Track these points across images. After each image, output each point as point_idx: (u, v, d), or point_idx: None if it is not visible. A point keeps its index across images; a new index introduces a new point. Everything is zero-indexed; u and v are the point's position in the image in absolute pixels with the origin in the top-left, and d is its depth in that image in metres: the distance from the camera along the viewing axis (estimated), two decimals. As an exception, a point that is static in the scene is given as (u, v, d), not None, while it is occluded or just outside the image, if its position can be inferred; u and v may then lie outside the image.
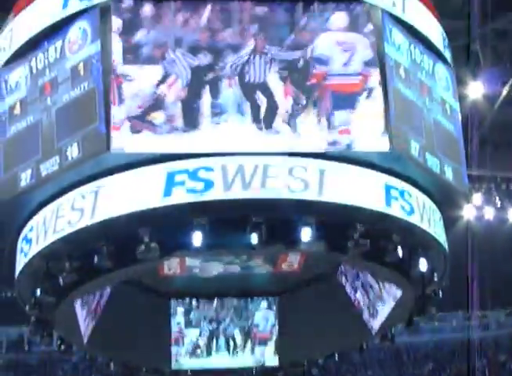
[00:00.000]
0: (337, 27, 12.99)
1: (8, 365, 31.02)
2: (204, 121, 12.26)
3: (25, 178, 12.61)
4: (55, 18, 13.06)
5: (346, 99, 12.60)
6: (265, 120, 12.41)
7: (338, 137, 12.31)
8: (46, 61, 13.06)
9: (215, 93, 12.48)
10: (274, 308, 16.87)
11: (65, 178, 12.46)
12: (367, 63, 12.80)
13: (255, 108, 12.48)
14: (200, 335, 16.92)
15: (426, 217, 13.12)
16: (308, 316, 16.36)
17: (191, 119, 12.29)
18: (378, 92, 12.61)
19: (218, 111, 12.35)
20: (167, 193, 11.98)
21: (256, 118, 12.39)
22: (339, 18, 12.99)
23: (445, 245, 13.84)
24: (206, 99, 12.42)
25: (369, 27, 12.95)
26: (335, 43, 12.88)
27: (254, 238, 12.05)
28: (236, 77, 12.58)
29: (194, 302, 16.78)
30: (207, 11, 12.80)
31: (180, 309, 16.74)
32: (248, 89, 12.58)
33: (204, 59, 12.63)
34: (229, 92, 12.49)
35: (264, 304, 16.85)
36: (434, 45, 14.19)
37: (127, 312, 15.39)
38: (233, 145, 12.19)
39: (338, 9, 12.98)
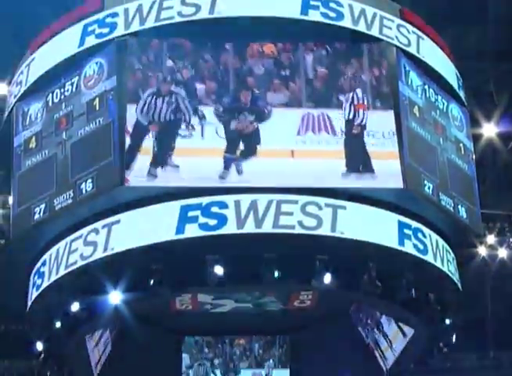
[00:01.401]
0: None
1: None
2: None
3: (39, 211, 12.66)
4: (72, 53, 13.22)
5: None
6: None
7: None
8: (62, 96, 13.17)
9: None
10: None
11: (78, 212, 12.51)
12: None
13: None
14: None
15: (439, 256, 13.05)
16: (320, 354, 16.20)
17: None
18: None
19: None
20: (180, 228, 11.99)
21: None
22: None
23: (459, 284, 13.74)
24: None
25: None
26: None
27: (267, 275, 12.04)
28: None
29: (206, 340, 16.68)
30: None
31: (192, 346, 16.62)
32: None
33: None
34: None
35: None
36: (448, 85, 14.22)
37: (138, 348, 15.28)
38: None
39: None
